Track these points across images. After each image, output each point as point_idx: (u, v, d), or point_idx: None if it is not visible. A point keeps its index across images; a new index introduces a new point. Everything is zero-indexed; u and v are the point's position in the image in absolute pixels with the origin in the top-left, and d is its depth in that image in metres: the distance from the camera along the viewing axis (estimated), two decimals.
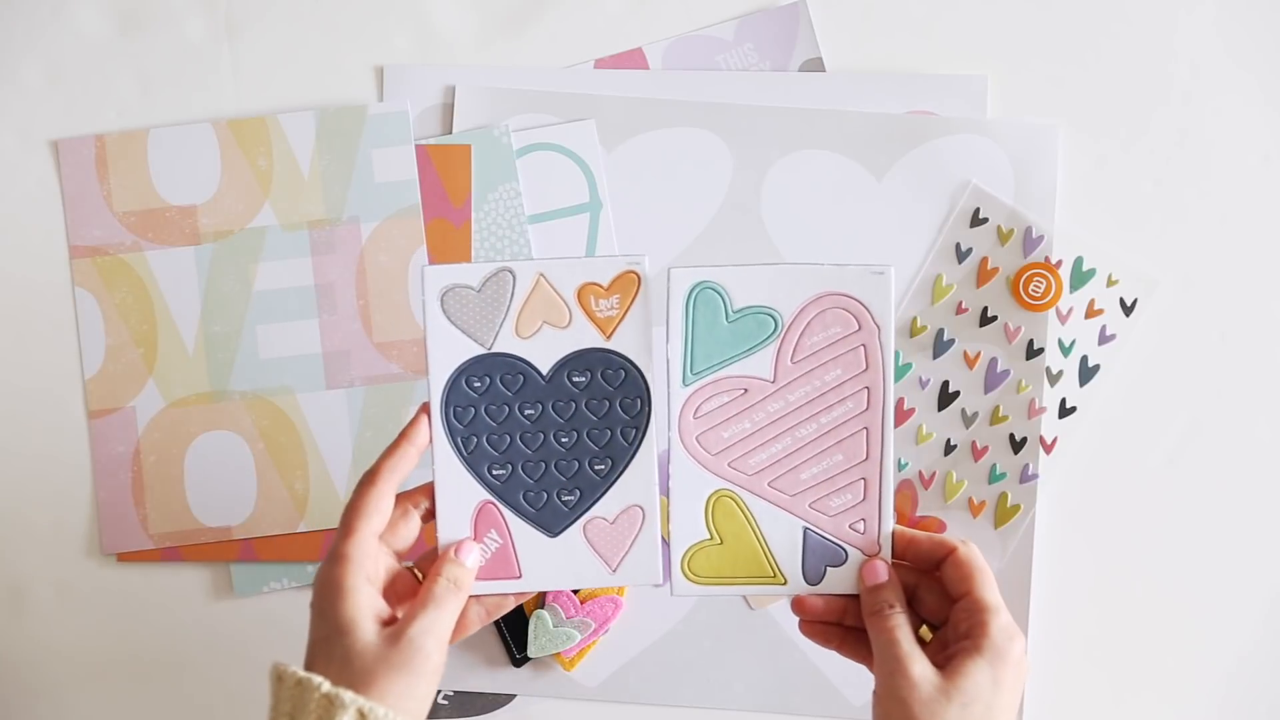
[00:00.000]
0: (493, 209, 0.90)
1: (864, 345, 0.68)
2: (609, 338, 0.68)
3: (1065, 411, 0.90)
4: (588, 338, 0.68)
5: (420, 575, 0.69)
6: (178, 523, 0.90)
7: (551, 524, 0.69)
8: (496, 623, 0.89)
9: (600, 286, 0.68)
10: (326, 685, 0.60)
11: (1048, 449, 0.90)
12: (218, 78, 0.91)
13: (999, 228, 0.90)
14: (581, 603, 0.88)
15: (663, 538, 0.90)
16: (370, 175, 0.90)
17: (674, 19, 0.91)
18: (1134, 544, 0.90)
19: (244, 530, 0.89)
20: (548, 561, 0.69)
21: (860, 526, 0.69)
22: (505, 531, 0.69)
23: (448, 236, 0.90)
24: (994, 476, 0.89)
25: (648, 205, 0.91)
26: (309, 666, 0.63)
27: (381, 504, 0.66)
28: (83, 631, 0.90)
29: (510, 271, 0.68)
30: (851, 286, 0.68)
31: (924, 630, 0.69)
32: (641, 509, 0.69)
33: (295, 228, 0.90)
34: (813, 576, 0.69)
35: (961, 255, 0.90)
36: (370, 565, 0.65)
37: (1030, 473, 0.89)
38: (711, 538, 0.70)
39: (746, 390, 0.69)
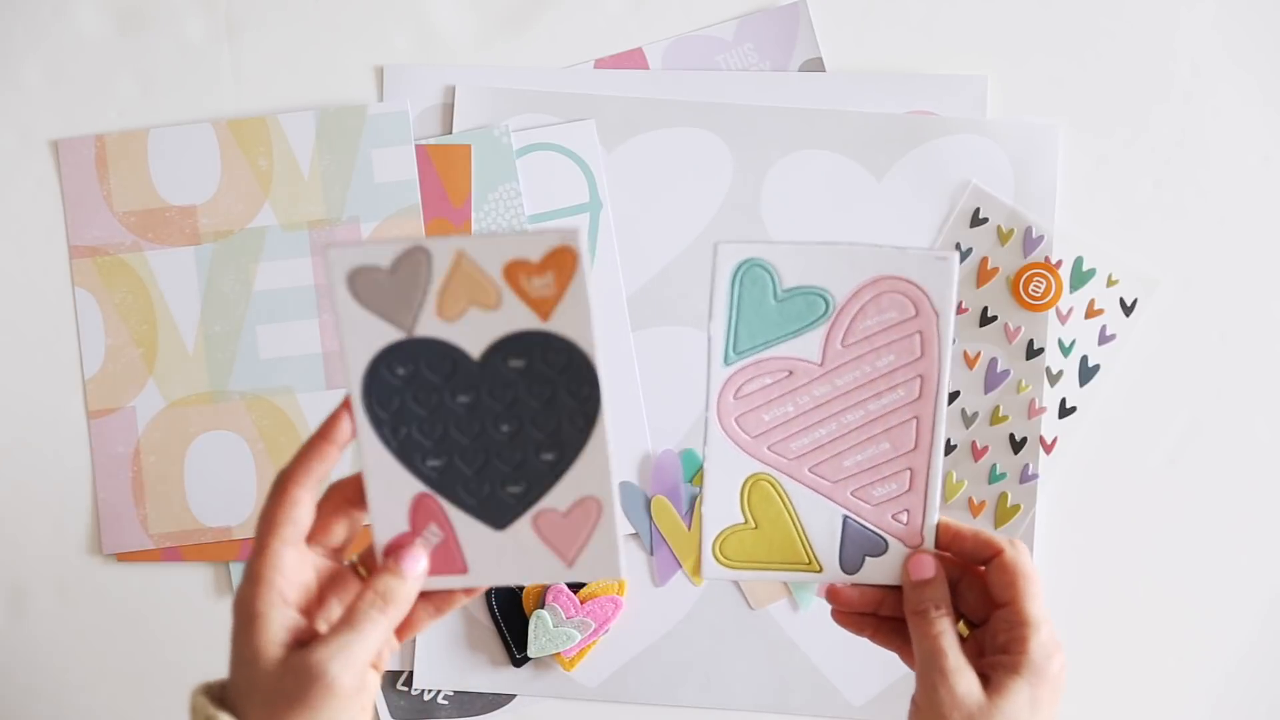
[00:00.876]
0: (493, 209, 0.90)
1: (920, 332, 0.65)
2: (547, 319, 0.62)
3: (1065, 411, 0.90)
4: (521, 319, 0.62)
5: (365, 572, 0.64)
6: (178, 523, 0.90)
7: (497, 517, 0.64)
8: (496, 623, 0.89)
9: (531, 263, 0.61)
10: None
11: (1048, 449, 0.90)
12: (218, 78, 0.91)
13: (999, 228, 0.90)
14: (581, 603, 0.88)
15: (651, 533, 0.89)
16: (370, 175, 0.90)
17: (674, 19, 0.91)
18: (1134, 544, 0.90)
19: (244, 530, 0.89)
20: (495, 555, 0.64)
21: (903, 517, 0.67)
22: (447, 524, 0.64)
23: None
24: (994, 476, 0.89)
25: (648, 205, 0.91)
26: (229, 694, 0.60)
27: (295, 511, 0.60)
28: (83, 631, 0.90)
29: (424, 249, 0.61)
30: (912, 271, 0.64)
31: (961, 626, 0.67)
32: (598, 501, 0.64)
33: (295, 228, 0.90)
34: (850, 565, 0.67)
35: (961, 255, 0.90)
36: (283, 581, 0.60)
37: (1030, 473, 0.89)
38: (746, 521, 0.67)
39: (792, 372, 0.66)
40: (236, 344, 0.90)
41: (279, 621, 0.59)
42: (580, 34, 0.91)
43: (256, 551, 0.60)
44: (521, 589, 0.89)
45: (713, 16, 0.91)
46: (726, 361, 0.66)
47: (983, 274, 0.90)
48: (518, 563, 0.64)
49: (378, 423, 0.63)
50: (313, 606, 0.61)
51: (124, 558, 0.90)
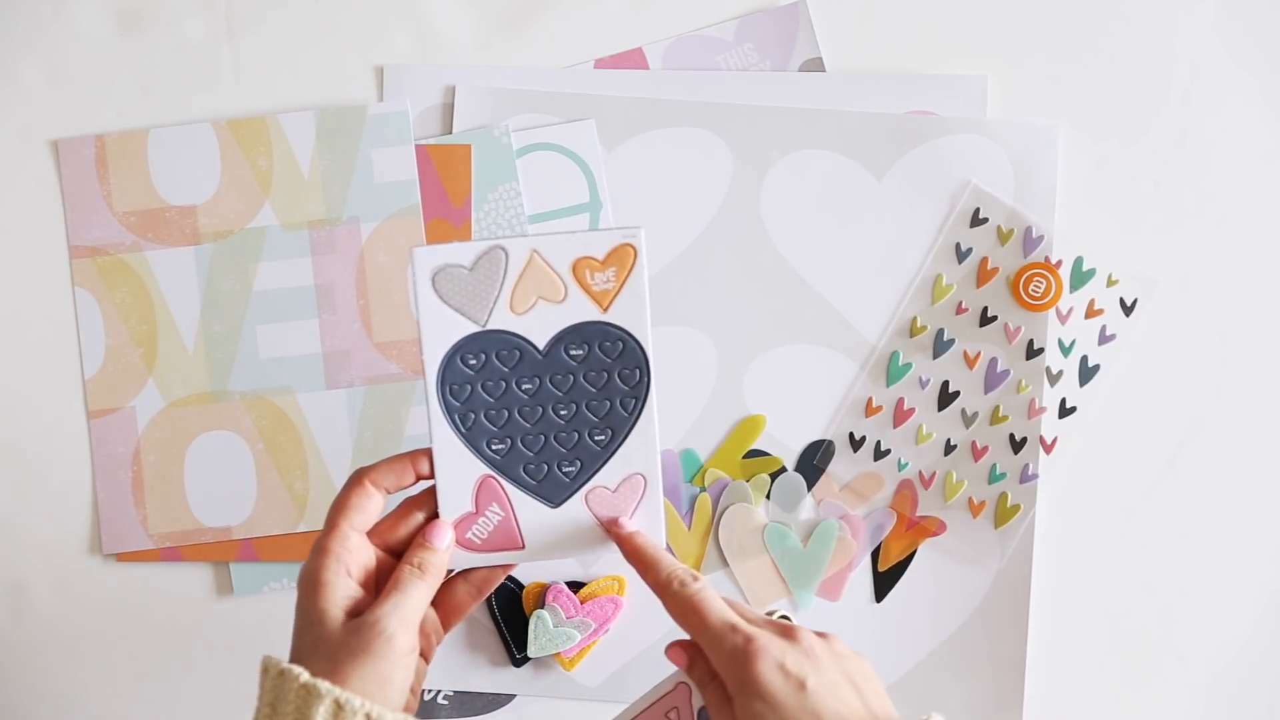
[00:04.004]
0: (493, 209, 0.90)
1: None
2: (606, 310, 0.68)
3: (1065, 411, 0.90)
4: (584, 311, 0.68)
5: None
6: (178, 523, 0.90)
7: (553, 495, 0.69)
8: (496, 622, 0.89)
9: (596, 260, 0.67)
10: (305, 676, 0.61)
11: (1048, 449, 0.90)
12: (218, 78, 0.91)
13: (999, 228, 0.90)
14: (581, 603, 0.88)
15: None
16: (370, 175, 0.90)
17: (674, 19, 0.91)
18: (1134, 544, 0.90)
19: (244, 530, 0.90)
20: (550, 531, 0.70)
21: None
22: (506, 504, 0.69)
23: (448, 236, 0.90)
24: (994, 476, 0.89)
25: (648, 205, 0.91)
26: (291, 659, 0.64)
27: (367, 503, 0.66)
28: (83, 631, 0.90)
29: (503, 249, 0.67)
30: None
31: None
32: (643, 476, 0.69)
33: (295, 228, 0.90)
34: None
35: (961, 255, 0.90)
36: (351, 559, 0.65)
37: (1030, 473, 0.89)
38: None
39: None
40: (236, 344, 0.90)
41: (342, 589, 0.64)
42: (580, 34, 0.91)
43: (327, 530, 0.66)
44: (521, 588, 0.89)
45: (713, 16, 0.91)
46: None
47: (983, 274, 0.90)
48: (570, 537, 0.70)
49: (449, 410, 0.68)
50: (370, 585, 0.67)
51: (124, 558, 0.90)
